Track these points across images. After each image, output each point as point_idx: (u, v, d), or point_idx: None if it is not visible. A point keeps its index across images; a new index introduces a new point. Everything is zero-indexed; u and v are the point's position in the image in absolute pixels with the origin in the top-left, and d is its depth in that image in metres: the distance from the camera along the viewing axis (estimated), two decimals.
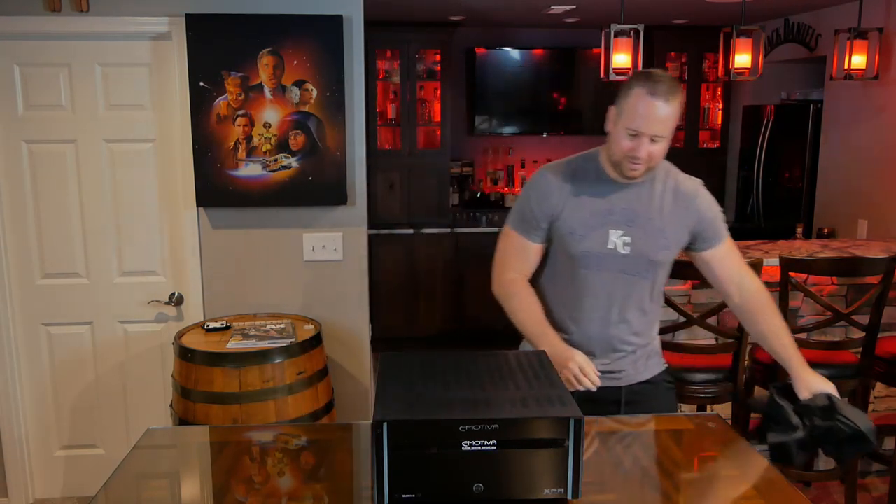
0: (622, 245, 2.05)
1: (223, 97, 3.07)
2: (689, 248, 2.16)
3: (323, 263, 3.30)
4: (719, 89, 6.05)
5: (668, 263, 2.14)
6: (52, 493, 3.46)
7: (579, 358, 1.95)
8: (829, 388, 1.92)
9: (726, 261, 2.15)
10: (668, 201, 2.08)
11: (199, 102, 3.06)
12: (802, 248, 3.64)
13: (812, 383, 1.93)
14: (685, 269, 2.94)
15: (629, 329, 2.14)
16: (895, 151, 4.14)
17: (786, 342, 2.04)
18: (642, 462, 1.72)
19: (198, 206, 3.17)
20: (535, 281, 2.19)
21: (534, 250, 2.14)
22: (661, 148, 1.97)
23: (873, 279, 3.23)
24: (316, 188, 3.17)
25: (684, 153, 5.96)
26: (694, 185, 2.13)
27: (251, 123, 3.10)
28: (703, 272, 2.21)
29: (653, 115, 1.91)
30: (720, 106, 6.07)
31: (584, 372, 1.93)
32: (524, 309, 2.11)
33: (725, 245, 2.15)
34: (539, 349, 1.92)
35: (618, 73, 3.74)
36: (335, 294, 3.31)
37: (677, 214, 2.08)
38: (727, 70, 3.94)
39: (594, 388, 1.92)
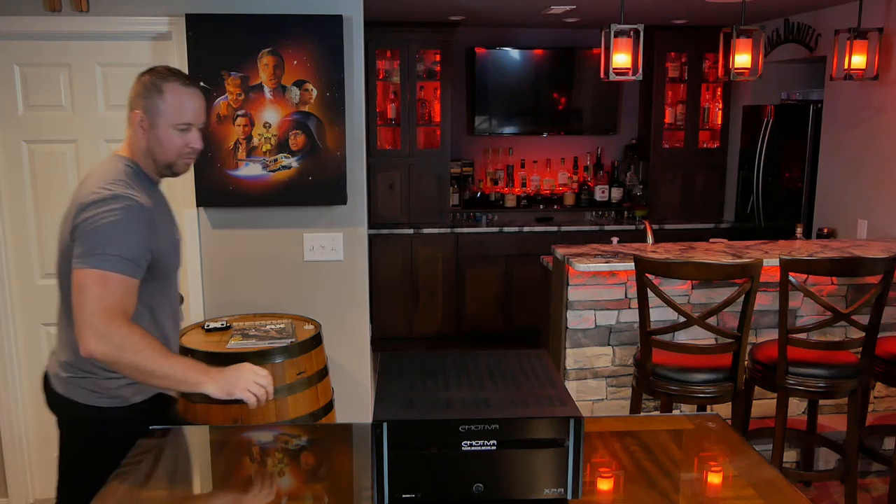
0: (175, 232, 2.10)
1: (223, 97, 3.07)
2: None
3: (323, 263, 3.30)
4: (719, 89, 6.05)
5: None
6: (52, 493, 3.44)
7: (248, 367, 1.87)
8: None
9: None
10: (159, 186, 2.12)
11: None
12: (802, 248, 3.64)
13: None
14: (685, 269, 2.95)
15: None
16: (895, 151, 4.14)
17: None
18: (642, 462, 1.72)
19: (198, 206, 3.17)
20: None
21: (136, 288, 1.86)
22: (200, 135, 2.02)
23: (873, 279, 3.23)
24: (316, 188, 3.17)
25: (684, 153, 5.96)
26: None
27: (251, 123, 3.10)
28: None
29: (195, 105, 1.96)
30: (720, 106, 6.06)
31: (263, 384, 1.85)
32: (157, 348, 1.80)
33: None
34: (196, 384, 1.78)
35: (618, 73, 3.73)
36: (335, 294, 3.31)
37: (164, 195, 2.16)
38: (727, 70, 3.94)
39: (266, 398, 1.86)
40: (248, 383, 1.81)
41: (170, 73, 1.96)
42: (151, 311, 1.97)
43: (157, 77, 1.94)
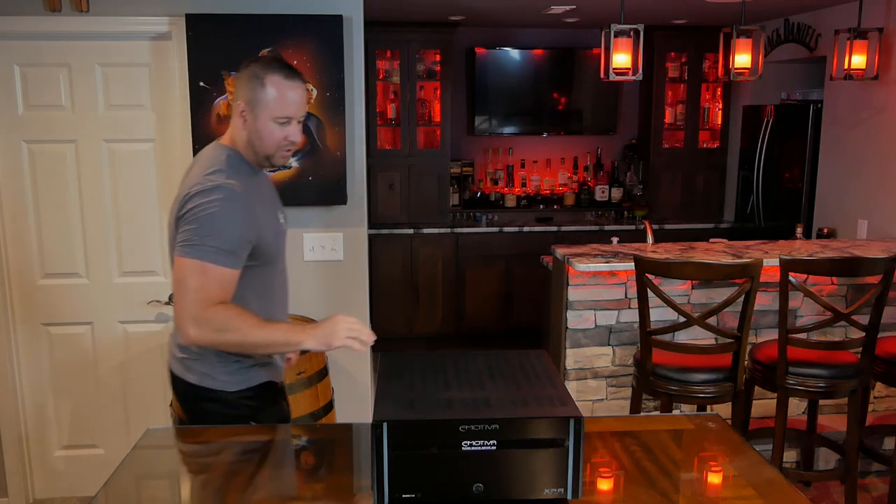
0: (285, 220, 2.15)
1: (223, 97, 3.07)
2: None
3: (323, 263, 3.30)
4: (719, 89, 6.05)
5: None
6: (52, 493, 3.46)
7: (341, 317, 1.86)
8: None
9: None
10: (265, 172, 2.18)
11: (199, 102, 3.06)
12: (802, 248, 3.64)
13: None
14: (685, 269, 2.95)
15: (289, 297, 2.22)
16: (895, 151, 4.14)
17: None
18: (642, 462, 1.72)
19: None
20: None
21: (236, 279, 1.90)
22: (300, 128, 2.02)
23: (873, 279, 3.23)
24: (316, 188, 3.17)
25: (684, 153, 5.96)
26: None
27: None
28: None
29: (297, 98, 1.96)
30: (720, 106, 6.06)
31: (357, 327, 1.85)
32: (254, 322, 1.85)
33: None
34: (298, 343, 1.85)
35: (618, 73, 3.73)
36: (335, 294, 3.31)
37: (270, 181, 2.24)
38: (727, 70, 3.94)
39: (371, 341, 1.86)
40: (346, 331, 1.82)
41: (274, 64, 1.95)
42: (259, 296, 2.00)
43: (260, 68, 1.94)
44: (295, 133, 1.97)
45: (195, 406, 2.05)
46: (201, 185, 1.87)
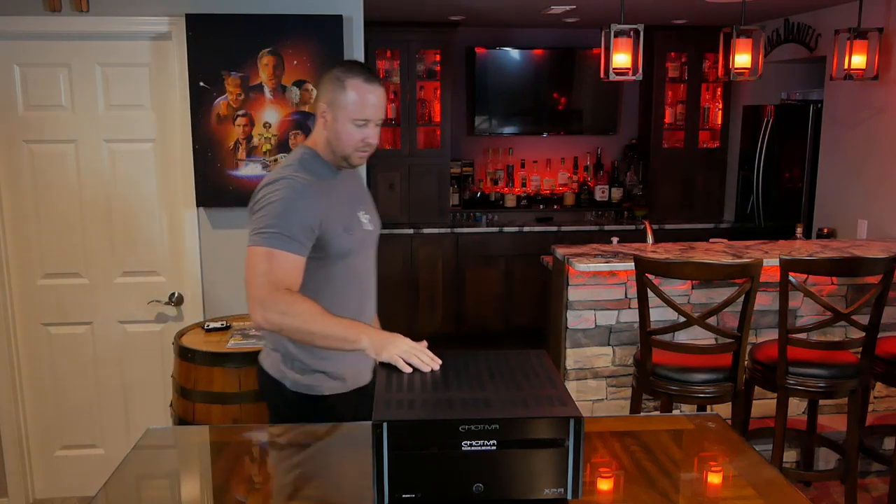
0: (368, 222, 2.17)
1: (223, 97, 3.07)
2: None
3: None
4: (719, 89, 6.05)
5: None
6: (52, 493, 3.46)
7: (404, 342, 1.79)
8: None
9: None
10: (355, 174, 2.24)
11: (199, 102, 3.07)
12: (802, 248, 3.64)
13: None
14: (685, 269, 2.95)
15: (376, 294, 2.28)
16: (895, 151, 4.14)
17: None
18: (642, 462, 1.72)
19: (198, 206, 3.17)
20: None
21: (301, 266, 1.96)
22: (379, 130, 2.06)
23: (873, 279, 3.23)
24: None
25: (684, 153, 5.96)
26: None
27: (251, 123, 3.10)
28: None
29: (376, 101, 2.00)
30: (720, 106, 6.06)
31: (416, 353, 1.76)
32: (318, 311, 1.87)
33: None
34: (355, 341, 1.82)
35: (618, 73, 3.73)
36: None
37: (362, 183, 2.32)
38: (727, 70, 3.94)
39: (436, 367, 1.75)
40: (399, 350, 1.75)
41: (354, 68, 2.01)
42: (331, 291, 2.04)
43: (342, 71, 2.00)
44: (373, 135, 2.02)
45: (269, 400, 2.18)
46: (269, 178, 2.01)
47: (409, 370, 1.70)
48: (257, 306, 1.88)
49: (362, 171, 3.27)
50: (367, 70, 2.02)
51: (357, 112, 1.98)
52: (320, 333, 1.87)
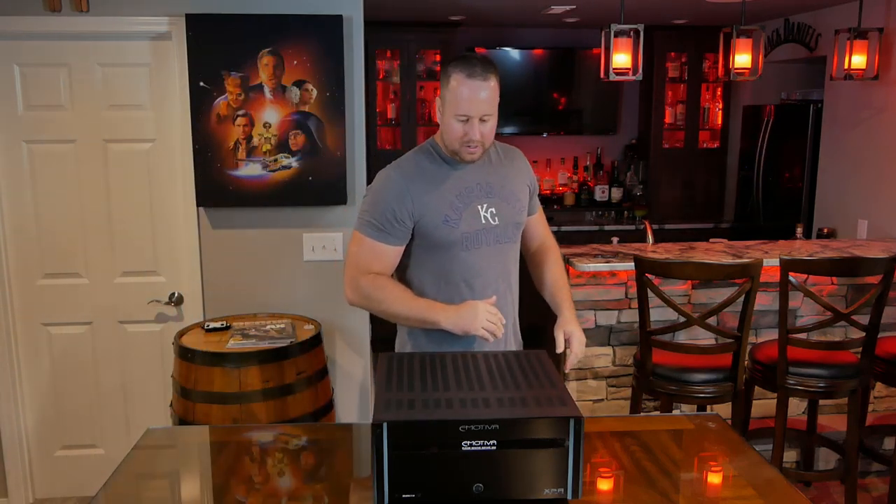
0: (492, 217, 2.11)
1: (223, 97, 3.07)
2: None
3: (323, 263, 3.30)
4: (719, 89, 6.05)
5: (523, 224, 2.25)
6: (52, 493, 3.46)
7: (482, 309, 1.95)
8: (570, 336, 2.10)
9: (539, 226, 2.36)
10: (506, 166, 2.19)
11: (199, 102, 3.06)
12: (802, 248, 3.64)
13: (565, 325, 2.12)
14: (685, 269, 2.94)
15: (512, 298, 2.22)
16: (895, 151, 4.14)
17: (561, 288, 2.25)
18: (642, 462, 1.73)
19: (198, 206, 3.17)
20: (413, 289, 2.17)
21: (392, 253, 2.08)
22: (491, 126, 2.02)
23: (873, 279, 3.23)
24: (316, 188, 3.17)
25: (684, 153, 5.96)
26: (516, 150, 2.28)
27: (251, 123, 3.10)
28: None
29: (475, 97, 1.97)
30: (720, 106, 6.06)
31: (494, 320, 1.95)
32: (398, 295, 2.02)
33: (539, 212, 2.37)
34: (434, 322, 1.97)
35: (618, 73, 3.73)
36: (335, 294, 3.31)
37: (518, 176, 2.21)
38: (727, 70, 3.94)
39: (500, 335, 1.97)
40: (483, 322, 1.91)
41: (462, 62, 2.00)
42: (439, 281, 2.09)
43: (452, 64, 2.01)
44: (474, 131, 1.99)
45: None
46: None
47: (493, 339, 1.95)
48: (347, 285, 2.06)
49: (362, 170, 3.28)
50: (475, 64, 1.97)
51: (455, 107, 1.97)
52: (402, 315, 2.02)
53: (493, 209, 2.11)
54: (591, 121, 6.02)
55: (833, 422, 3.66)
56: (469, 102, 1.96)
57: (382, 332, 5.88)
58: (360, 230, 2.06)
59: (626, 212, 6.05)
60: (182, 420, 2.79)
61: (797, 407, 3.63)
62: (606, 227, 5.74)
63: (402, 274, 2.16)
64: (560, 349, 2.04)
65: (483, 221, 2.09)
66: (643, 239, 4.12)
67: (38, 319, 3.30)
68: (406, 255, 2.11)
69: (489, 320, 1.93)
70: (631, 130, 6.21)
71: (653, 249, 3.57)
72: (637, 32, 3.70)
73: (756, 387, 3.22)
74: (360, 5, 3.17)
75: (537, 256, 2.34)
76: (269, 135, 3.12)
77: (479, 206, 2.09)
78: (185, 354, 2.77)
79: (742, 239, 4.49)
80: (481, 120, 1.99)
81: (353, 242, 2.09)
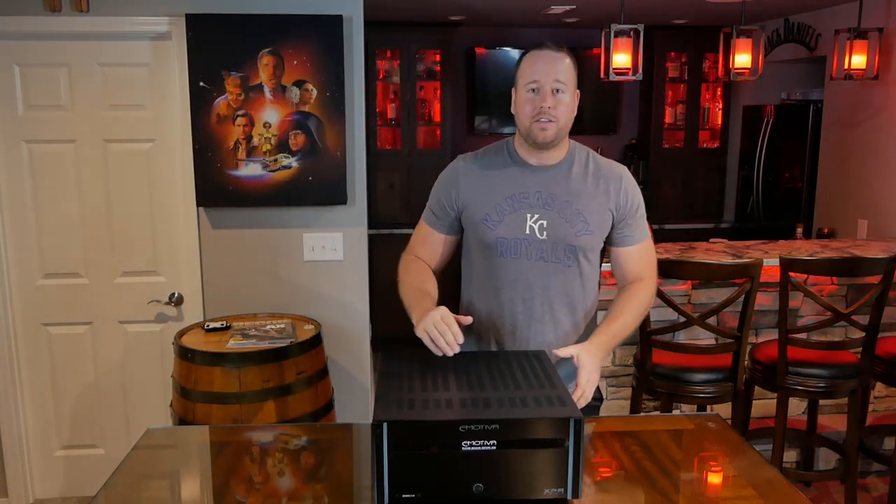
0: (539, 229, 1.96)
1: (223, 97, 3.07)
2: (608, 241, 2.06)
3: (323, 263, 3.30)
4: (719, 89, 6.05)
5: (594, 252, 2.03)
6: (52, 493, 3.46)
7: (437, 314, 1.74)
8: (579, 365, 1.79)
9: (633, 262, 2.07)
10: (588, 183, 1.99)
11: (199, 102, 3.06)
12: (802, 248, 3.64)
13: (580, 348, 1.82)
14: (685, 269, 2.95)
15: (556, 327, 2.01)
16: (895, 151, 4.14)
17: (614, 318, 1.96)
18: (642, 462, 1.72)
19: (198, 206, 3.17)
20: (462, 283, 2.16)
21: (438, 240, 2.09)
22: (565, 102, 1.91)
23: (873, 279, 3.23)
24: (316, 188, 3.17)
25: (684, 153, 5.96)
26: (618, 169, 2.05)
27: (251, 123, 3.10)
28: (611, 265, 2.12)
29: (547, 65, 1.90)
30: (720, 106, 6.07)
31: (440, 329, 1.71)
32: (407, 281, 2.00)
33: (644, 245, 2.08)
34: (412, 317, 1.86)
35: (618, 73, 3.73)
36: (335, 294, 3.31)
37: (598, 197, 1.99)
38: (727, 70, 3.94)
39: (451, 353, 1.70)
40: (427, 325, 1.74)
41: (537, 45, 1.96)
42: (475, 280, 2.07)
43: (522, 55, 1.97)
44: (546, 100, 1.88)
45: None
46: None
47: (437, 351, 1.72)
48: None
49: (362, 170, 3.27)
50: (546, 44, 1.94)
51: (526, 76, 1.91)
52: (404, 301, 1.97)
53: (545, 222, 1.95)
54: (591, 121, 6.02)
55: (833, 422, 3.66)
56: (540, 71, 1.89)
57: (382, 332, 5.91)
58: (425, 211, 2.11)
59: None
60: (182, 420, 2.79)
61: (797, 407, 3.63)
62: None
63: (464, 266, 2.15)
64: (561, 354, 1.79)
65: (527, 231, 1.96)
66: None
67: (38, 319, 3.30)
68: (464, 247, 2.11)
69: (435, 327, 1.72)
70: (631, 130, 6.21)
71: None
72: (637, 32, 3.70)
73: (756, 387, 3.22)
74: (360, 5, 3.17)
75: (622, 291, 2.07)
76: (269, 135, 3.12)
77: (529, 215, 1.96)
78: (185, 354, 2.77)
79: (742, 239, 4.49)
80: (554, 91, 1.89)
81: (416, 228, 2.14)
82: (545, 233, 1.96)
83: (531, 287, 1.98)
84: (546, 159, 1.99)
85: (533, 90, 1.91)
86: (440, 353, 1.71)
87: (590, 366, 1.79)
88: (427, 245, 2.11)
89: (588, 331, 2.05)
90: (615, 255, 2.08)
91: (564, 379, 1.69)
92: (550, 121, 1.89)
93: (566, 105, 1.92)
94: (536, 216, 1.96)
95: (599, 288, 2.12)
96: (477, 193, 2.00)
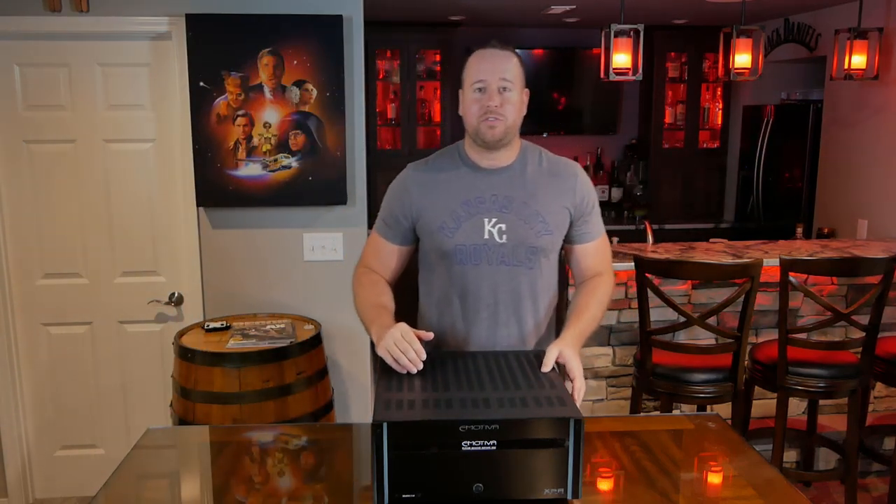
0: (498, 233, 1.92)
1: (223, 97, 3.07)
2: (566, 239, 2.03)
3: (323, 263, 3.30)
4: (719, 89, 6.05)
5: (553, 251, 2.00)
6: (52, 493, 3.46)
7: (396, 331, 1.70)
8: (565, 360, 1.73)
9: (590, 258, 2.06)
10: (544, 183, 1.96)
11: (199, 102, 3.06)
12: (802, 248, 3.64)
13: (561, 343, 1.77)
14: (685, 269, 2.95)
15: (521, 329, 1.98)
16: (895, 151, 4.14)
17: (580, 312, 1.93)
18: (642, 462, 1.72)
19: (198, 206, 3.17)
20: (420, 294, 2.10)
21: (392, 252, 2.05)
22: (513, 101, 1.88)
23: (873, 279, 3.23)
24: (316, 188, 3.17)
25: (684, 153, 5.96)
26: (572, 166, 2.03)
27: (251, 123, 3.10)
28: (569, 262, 2.10)
29: (493, 64, 1.87)
30: (720, 106, 6.06)
31: (401, 347, 1.67)
32: (362, 296, 1.96)
33: (601, 241, 2.08)
34: (370, 335, 1.80)
35: (618, 73, 3.73)
36: (335, 294, 3.31)
37: (555, 196, 1.96)
38: (727, 70, 3.94)
39: (414, 370, 1.65)
40: (388, 344, 1.69)
41: (482, 44, 1.93)
42: (435, 292, 2.03)
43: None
44: (492, 98, 1.85)
45: None
46: None
47: (401, 369, 1.66)
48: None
49: (362, 170, 3.27)
50: (492, 42, 1.91)
51: (472, 76, 1.88)
52: (360, 316, 1.94)
53: (503, 226, 1.92)
54: (591, 121, 6.02)
55: (833, 422, 3.66)
56: (485, 67, 1.86)
57: None
58: (376, 223, 2.08)
59: (626, 212, 6.05)
60: (182, 420, 2.79)
61: (797, 407, 3.63)
62: (606, 227, 5.71)
63: (421, 276, 2.10)
64: (546, 368, 1.69)
65: (486, 237, 1.92)
66: (643, 239, 4.12)
67: (38, 319, 3.30)
68: (420, 257, 2.07)
69: (396, 345, 1.68)
70: (631, 130, 6.21)
71: (653, 249, 3.57)
72: (637, 32, 3.70)
73: (756, 387, 3.22)
74: (360, 5, 3.17)
75: (581, 287, 2.05)
76: (269, 135, 3.12)
77: (486, 220, 1.92)
78: (185, 354, 2.77)
79: (742, 239, 4.49)
80: (500, 90, 1.86)
81: (368, 239, 2.12)
82: (505, 236, 1.92)
83: (495, 293, 1.95)
84: (498, 160, 1.96)
85: (479, 90, 1.87)
86: (404, 371, 1.66)
87: (574, 358, 1.76)
88: (380, 257, 2.06)
89: (549, 326, 2.06)
90: (574, 252, 2.06)
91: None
92: (498, 118, 1.86)
93: (513, 104, 1.89)
94: (494, 220, 1.92)
95: (564, 281, 2.10)
96: (431, 201, 1.95)
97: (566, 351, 1.75)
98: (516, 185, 1.95)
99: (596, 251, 2.06)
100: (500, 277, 1.94)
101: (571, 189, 1.98)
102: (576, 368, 1.74)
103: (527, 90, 1.97)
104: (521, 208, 1.93)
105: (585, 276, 2.07)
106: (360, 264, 2.10)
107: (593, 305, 1.97)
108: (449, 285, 1.98)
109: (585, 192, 2.01)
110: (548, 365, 1.69)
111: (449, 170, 1.98)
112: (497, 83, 1.87)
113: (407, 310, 2.03)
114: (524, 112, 1.96)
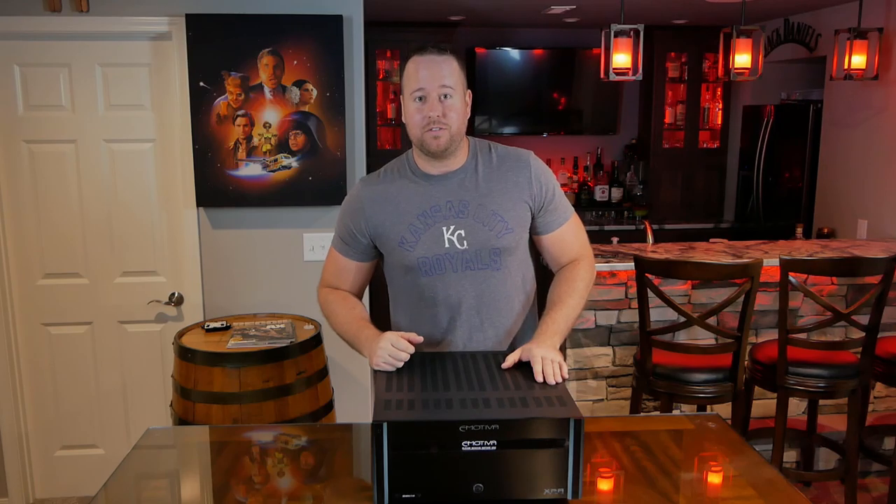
0: (458, 240, 1.88)
1: (223, 97, 3.07)
2: (532, 230, 1.99)
3: (323, 263, 3.29)
4: (719, 89, 6.05)
5: (518, 248, 1.95)
6: (52, 493, 3.46)
7: (386, 342, 1.73)
8: (530, 359, 1.68)
9: (567, 242, 2.00)
10: (497, 180, 1.92)
11: (199, 102, 3.06)
12: (802, 248, 3.64)
13: (530, 344, 1.74)
14: (685, 269, 2.95)
15: (497, 331, 1.95)
16: (895, 151, 4.14)
17: (554, 303, 1.89)
18: (642, 462, 1.72)
19: (198, 206, 3.17)
20: (392, 307, 2.08)
21: (353, 268, 2.01)
22: (455, 104, 1.83)
23: (873, 279, 3.23)
24: (316, 188, 3.17)
25: (684, 153, 5.96)
26: (524, 156, 1.98)
27: (251, 123, 3.10)
28: (541, 252, 2.04)
29: (431, 70, 1.82)
30: (720, 106, 6.06)
31: (398, 357, 1.72)
32: (341, 315, 1.96)
33: (570, 224, 2.00)
34: (360, 350, 1.85)
35: (618, 73, 3.73)
36: None
37: (511, 192, 1.92)
38: (727, 70, 3.94)
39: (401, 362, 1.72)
40: (384, 356, 1.72)
41: (415, 50, 1.88)
42: (407, 305, 1.99)
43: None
44: (434, 107, 1.81)
45: None
46: None
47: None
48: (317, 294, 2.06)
49: (362, 170, 3.27)
50: (427, 46, 1.86)
51: (411, 84, 1.84)
52: (342, 335, 1.96)
53: (462, 231, 1.88)
54: (591, 121, 6.02)
55: (833, 422, 3.66)
56: (424, 75, 1.81)
57: (383, 332, 5.84)
58: (333, 240, 2.05)
59: (626, 212, 6.05)
60: (182, 420, 2.79)
61: (797, 407, 3.63)
62: (606, 227, 5.73)
63: (390, 290, 2.06)
64: (506, 366, 1.69)
65: (447, 245, 1.88)
66: (643, 239, 4.12)
67: (38, 319, 3.30)
68: (385, 271, 2.03)
69: (391, 355, 1.71)
70: (631, 130, 6.21)
71: (653, 249, 3.57)
72: (637, 32, 3.70)
73: (756, 387, 3.22)
74: (360, 5, 3.17)
75: (558, 275, 2.00)
76: (269, 135, 3.12)
77: (444, 228, 1.88)
78: (185, 354, 2.77)
79: (742, 239, 4.49)
80: (441, 97, 1.81)
81: (327, 256, 2.08)
82: (465, 242, 1.88)
83: (464, 300, 1.91)
84: (448, 166, 1.92)
85: (420, 98, 1.83)
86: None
87: (539, 351, 1.69)
88: (342, 275, 2.04)
89: (530, 322, 2.01)
90: (543, 242, 2.00)
91: None
92: (441, 128, 1.82)
93: (456, 110, 1.84)
94: (452, 227, 1.88)
95: (540, 272, 2.05)
96: (387, 218, 1.91)
97: (534, 350, 1.69)
98: (469, 188, 1.91)
99: (565, 237, 2.00)
100: (468, 283, 1.90)
101: (527, 181, 1.93)
102: (537, 353, 1.68)
103: (469, 91, 1.92)
104: (478, 210, 1.89)
105: (561, 263, 2.01)
106: (321, 284, 2.06)
107: (568, 297, 1.90)
108: (418, 298, 1.95)
109: (542, 181, 1.95)
110: (507, 363, 1.69)
111: (401, 182, 1.94)
112: (437, 90, 1.82)
113: (381, 322, 2.00)
114: (468, 114, 1.91)
